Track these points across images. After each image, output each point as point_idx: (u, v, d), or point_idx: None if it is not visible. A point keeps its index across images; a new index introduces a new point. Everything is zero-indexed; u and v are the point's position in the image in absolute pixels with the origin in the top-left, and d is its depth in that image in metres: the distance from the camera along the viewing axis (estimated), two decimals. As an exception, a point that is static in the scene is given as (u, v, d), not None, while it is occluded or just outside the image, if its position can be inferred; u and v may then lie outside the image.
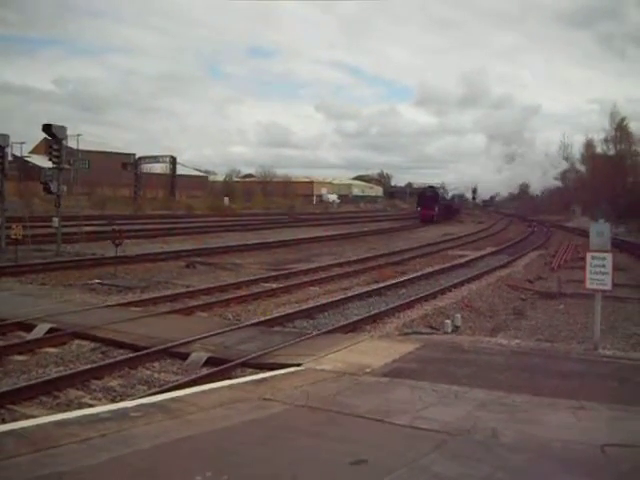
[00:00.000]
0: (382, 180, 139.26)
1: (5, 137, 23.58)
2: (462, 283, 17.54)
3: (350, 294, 15.12)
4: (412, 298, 14.57)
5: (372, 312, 12.80)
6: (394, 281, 17.48)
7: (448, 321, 12.01)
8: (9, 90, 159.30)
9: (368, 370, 7.77)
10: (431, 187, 66.30)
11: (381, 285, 16.66)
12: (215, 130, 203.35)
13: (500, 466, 4.78)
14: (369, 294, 15.22)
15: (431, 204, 58.92)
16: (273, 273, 18.75)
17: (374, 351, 8.89)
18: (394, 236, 37.07)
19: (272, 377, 7.50)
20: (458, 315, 12.76)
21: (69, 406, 7.13)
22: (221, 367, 8.37)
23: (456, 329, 12.01)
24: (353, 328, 11.24)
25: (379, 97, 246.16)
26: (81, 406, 7.08)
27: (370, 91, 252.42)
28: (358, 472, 4.61)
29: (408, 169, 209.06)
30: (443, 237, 37.49)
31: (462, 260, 24.05)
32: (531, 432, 5.59)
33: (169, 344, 9.35)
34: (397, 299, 14.72)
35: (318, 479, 4.52)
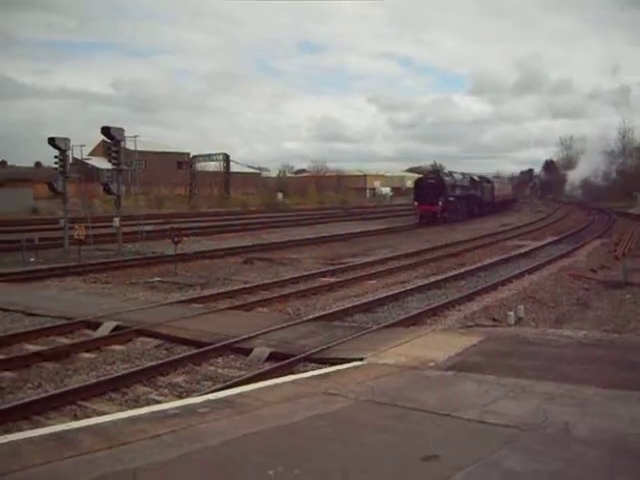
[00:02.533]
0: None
1: (66, 140, 24.23)
2: (523, 274, 17.19)
3: (409, 287, 15.00)
4: (472, 290, 14.36)
5: (432, 305, 12.66)
6: (453, 273, 17.27)
7: (511, 313, 11.78)
8: (69, 94, 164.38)
9: (432, 364, 7.68)
10: (434, 172, 48.29)
11: (440, 277, 16.48)
12: (267, 126, 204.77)
13: (575, 461, 4.65)
14: (428, 287, 15.07)
15: (432, 197, 40.16)
16: (330, 267, 18.76)
17: (436, 345, 8.79)
18: (449, 228, 36.63)
19: (335, 372, 7.49)
20: (521, 306, 12.51)
21: (137, 402, 7.28)
22: (284, 362, 8.40)
23: (519, 321, 11.77)
24: (414, 322, 11.14)
25: (431, 87, 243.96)
26: (149, 402, 7.21)
27: (422, 81, 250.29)
28: (430, 467, 4.55)
29: (462, 159, 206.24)
30: (501, 228, 36.86)
31: (522, 250, 23.59)
32: (605, 426, 5.42)
33: (231, 340, 9.44)
34: (457, 291, 14.53)
35: (389, 474, 4.47)
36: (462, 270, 17.90)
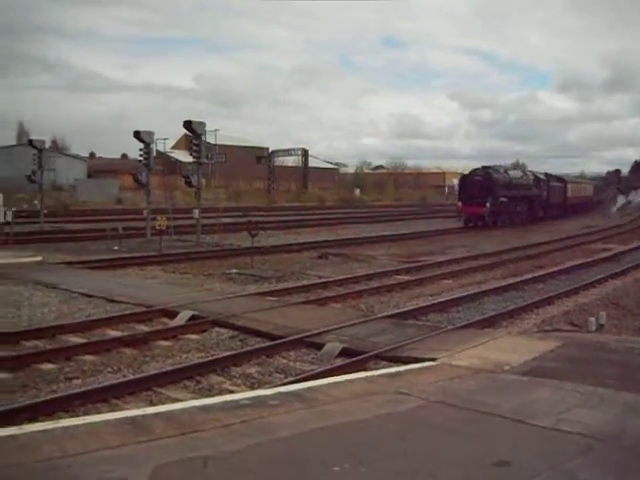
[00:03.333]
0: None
1: (150, 134, 24.98)
2: (606, 278, 16.55)
3: (485, 288, 14.71)
4: (552, 293, 13.93)
5: (509, 307, 12.37)
6: (531, 275, 16.82)
7: (592, 319, 11.36)
8: (153, 89, 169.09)
9: (506, 368, 7.50)
10: (484, 168, 37.72)
11: (518, 279, 16.08)
12: (347, 122, 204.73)
13: (655, 477, 4.46)
14: (505, 288, 14.73)
15: (479, 197, 34.78)
16: (405, 265, 18.62)
17: (512, 348, 8.58)
18: (529, 229, 35.70)
19: (407, 371, 7.42)
20: (603, 313, 12.04)
21: (210, 391, 7.42)
22: (355, 358, 8.39)
23: (600, 328, 11.33)
24: (489, 323, 10.92)
25: (515, 84, 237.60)
26: (222, 392, 7.35)
27: (506, 78, 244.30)
28: (501, 473, 4.44)
29: (545, 158, 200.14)
30: (583, 230, 35.64)
31: (606, 254, 22.74)
32: (689, 441, 5.16)
33: (304, 334, 9.50)
34: (535, 294, 14.14)
35: (458, 478, 4.40)
36: (541, 272, 17.41)
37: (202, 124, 23.93)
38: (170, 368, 8.10)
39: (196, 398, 6.94)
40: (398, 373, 7.34)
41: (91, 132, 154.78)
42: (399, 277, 16.36)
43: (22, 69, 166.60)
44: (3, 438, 4.62)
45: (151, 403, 6.90)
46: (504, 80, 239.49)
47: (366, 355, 8.51)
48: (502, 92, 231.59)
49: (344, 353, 8.78)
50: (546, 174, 46.74)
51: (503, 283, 15.48)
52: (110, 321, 10.57)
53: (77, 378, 7.78)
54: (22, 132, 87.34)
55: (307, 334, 9.49)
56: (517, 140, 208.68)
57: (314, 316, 11.00)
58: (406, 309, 11.95)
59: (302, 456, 4.66)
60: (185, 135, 22.61)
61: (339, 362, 8.43)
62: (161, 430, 4.98)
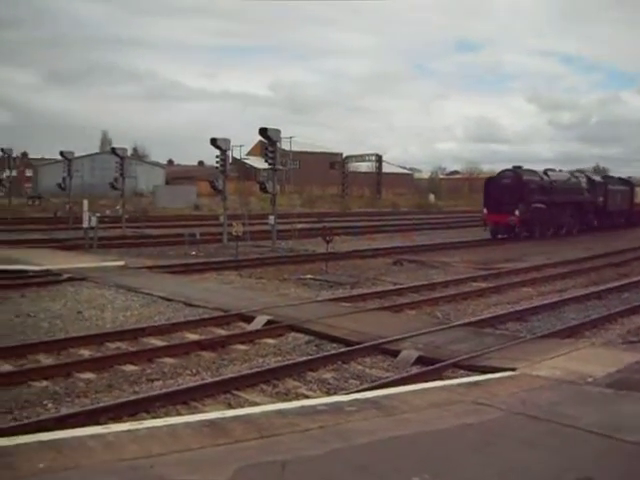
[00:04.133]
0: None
1: (226, 141, 25.47)
2: (696, 288, 15.77)
3: (566, 296, 14.26)
4: (637, 303, 13.39)
5: (591, 317, 11.95)
6: (615, 284, 16.21)
7: (681, 330, 10.86)
8: (230, 97, 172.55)
9: (590, 379, 7.25)
10: (514, 169, 31.53)
11: (600, 288, 15.53)
12: (421, 127, 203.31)
13: None
14: (587, 297, 14.25)
15: (507, 203, 28.98)
16: (482, 272, 18.27)
17: (595, 359, 8.28)
18: (612, 234, 34.39)
19: (485, 381, 7.28)
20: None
21: (287, 395, 7.48)
22: (432, 367, 8.28)
23: (691, 339, 10.81)
24: (570, 333, 10.57)
25: (596, 85, 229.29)
26: (298, 396, 7.40)
27: (586, 79, 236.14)
28: (586, 490, 4.30)
29: (629, 162, 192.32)
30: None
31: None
32: None
33: (379, 340, 9.46)
34: (620, 303, 13.61)
35: (541, 493, 4.28)
36: (626, 281, 16.76)
37: (277, 131, 24.22)
38: (247, 372, 8.21)
39: (273, 402, 7.02)
40: (476, 383, 7.20)
41: (170, 140, 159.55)
42: (476, 284, 16.07)
43: (108, 80, 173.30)
44: (91, 437, 4.78)
45: (229, 406, 7.01)
46: (584, 81, 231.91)
47: (443, 363, 8.39)
48: (582, 94, 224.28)
49: (420, 361, 8.68)
50: (605, 176, 41.55)
51: (585, 291, 14.99)
52: (189, 325, 10.81)
53: (158, 380, 7.99)
54: (105, 140, 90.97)
55: (383, 341, 9.44)
56: (599, 142, 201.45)
57: (389, 323, 10.94)
58: (483, 317, 11.73)
59: (380, 464, 4.63)
60: (260, 142, 22.91)
61: (415, 370, 8.35)
62: (240, 433, 5.05)
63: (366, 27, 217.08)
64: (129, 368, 8.40)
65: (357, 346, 9.31)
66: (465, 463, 4.72)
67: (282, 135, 25.64)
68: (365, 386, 7.62)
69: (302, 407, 5.92)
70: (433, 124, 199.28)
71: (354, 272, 17.83)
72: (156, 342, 9.79)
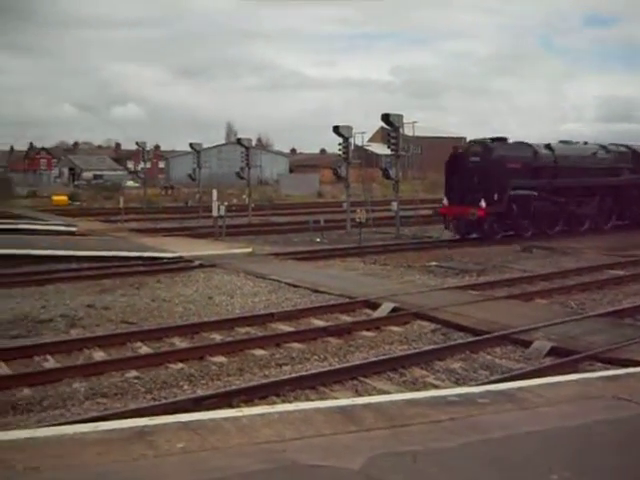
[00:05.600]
0: None
1: (349, 128, 25.51)
2: None
3: None
4: None
5: None
6: None
7: None
8: (350, 84, 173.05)
9: None
10: (494, 140, 22.62)
11: None
12: (548, 107, 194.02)
13: None
14: None
15: (476, 190, 21.05)
16: (619, 259, 17.24)
17: None
18: None
19: (627, 375, 6.84)
20: None
21: (414, 384, 7.39)
22: (567, 358, 7.91)
23: None
24: None
25: None
26: (425, 386, 7.30)
27: None
28: None
29: None
30: None
31: None
32: None
33: (509, 330, 9.15)
34: None
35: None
36: None
37: (399, 117, 23.96)
38: (374, 359, 8.20)
39: (401, 390, 6.97)
40: (616, 376, 6.78)
41: (292, 129, 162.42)
42: (612, 272, 15.20)
43: (232, 73, 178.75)
44: (225, 419, 4.92)
45: (357, 393, 7.03)
46: None
47: (579, 356, 7.99)
48: None
49: (553, 352, 8.32)
50: None
51: None
52: (315, 311, 10.94)
53: (287, 364, 8.14)
54: (230, 131, 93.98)
55: (513, 330, 9.13)
56: None
57: (519, 312, 10.56)
58: (622, 307, 11.06)
59: (516, 460, 4.45)
60: (382, 128, 22.75)
61: (549, 362, 8.01)
62: (371, 421, 5.02)
63: (486, 6, 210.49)
64: (259, 352, 8.61)
65: (486, 335, 9.06)
66: (609, 463, 4.44)
67: (404, 120, 25.35)
68: (496, 377, 7.40)
69: (432, 397, 5.80)
70: (560, 104, 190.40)
71: (480, 259, 17.36)
72: (284, 327, 9.99)
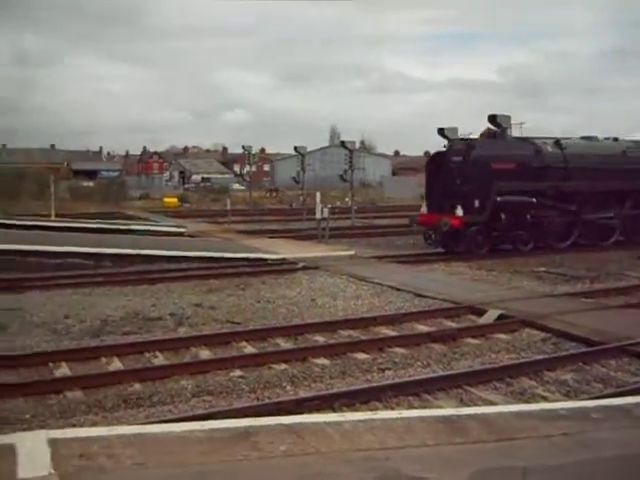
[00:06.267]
0: None
1: (454, 130, 24.92)
2: None
3: None
4: None
5: None
6: None
7: None
8: (455, 85, 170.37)
9: None
10: (464, 140, 19.80)
11: None
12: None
13: None
14: None
15: (455, 197, 18.43)
16: None
17: None
18: None
19: None
20: None
21: (522, 395, 7.11)
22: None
23: None
24: None
25: None
26: (534, 397, 7.01)
27: None
28: None
29: None
30: None
31: None
32: None
33: (626, 342, 8.63)
34: None
35: None
36: None
37: (507, 117, 23.16)
38: (480, 367, 7.96)
39: (508, 401, 6.72)
40: None
41: (396, 131, 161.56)
42: None
43: (336, 76, 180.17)
44: (328, 424, 4.88)
45: (461, 402, 6.84)
46: None
47: None
48: None
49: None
50: None
51: None
52: (419, 315, 10.77)
53: (389, 369, 8.03)
54: (334, 134, 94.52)
55: (630, 342, 8.61)
56: None
57: (637, 322, 9.96)
58: None
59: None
60: (488, 129, 22.17)
61: (670, 376, 7.49)
62: (476, 433, 4.84)
63: (592, 3, 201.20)
64: (361, 356, 8.55)
65: (600, 346, 8.60)
66: None
67: (512, 121, 24.59)
68: (611, 391, 7.00)
69: (542, 410, 5.54)
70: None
71: (593, 265, 16.56)
72: (387, 332, 9.89)
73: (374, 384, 7.35)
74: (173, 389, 7.29)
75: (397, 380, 7.46)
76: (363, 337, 9.60)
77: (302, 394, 7.08)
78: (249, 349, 9.02)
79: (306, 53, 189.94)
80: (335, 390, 7.14)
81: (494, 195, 18.07)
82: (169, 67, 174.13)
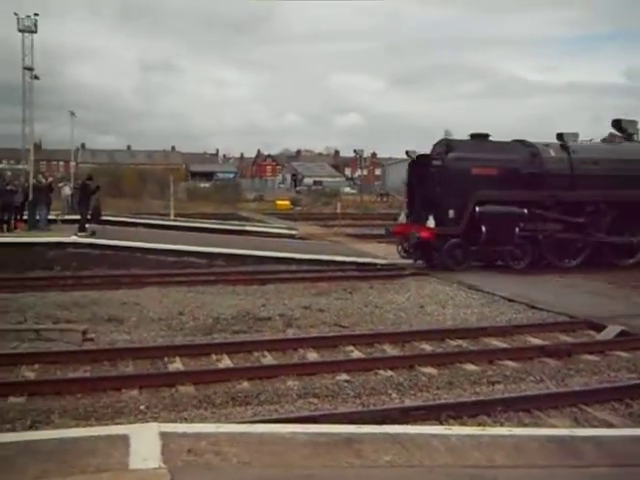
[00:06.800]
0: None
1: (574, 135, 23.90)
2: None
3: None
4: None
5: None
6: None
7: None
8: (577, 88, 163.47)
9: None
10: (475, 137, 17.68)
11: None
12: None
13: None
14: None
15: (424, 205, 16.91)
16: None
17: None
18: None
19: None
20: None
21: (641, 417, 6.68)
22: None
23: None
24: None
25: None
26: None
27: None
28: None
29: None
30: None
31: None
32: None
33: None
34: None
35: None
36: None
37: (633, 122, 21.92)
38: (597, 386, 7.56)
39: (627, 424, 6.34)
40: None
41: (511, 135, 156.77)
42: None
43: (449, 79, 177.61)
44: (434, 436, 4.77)
45: (576, 421, 6.51)
46: None
47: None
48: None
49: None
50: None
51: None
52: (532, 328, 10.39)
53: (499, 383, 7.76)
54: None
55: None
56: None
57: None
58: None
59: None
60: (610, 134, 21.05)
61: None
62: (592, 457, 4.57)
63: None
64: (469, 367, 8.34)
65: None
66: None
67: (639, 126, 23.29)
68: None
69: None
70: None
71: None
72: (497, 343, 9.60)
73: (483, 397, 7.13)
74: (280, 389, 7.38)
75: (507, 395, 7.20)
76: (472, 347, 9.37)
77: (408, 403, 6.98)
78: (356, 353, 9.01)
79: (418, 56, 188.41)
80: (442, 401, 6.99)
81: (472, 204, 16.09)
82: (286, 72, 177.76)
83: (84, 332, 9.60)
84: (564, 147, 17.66)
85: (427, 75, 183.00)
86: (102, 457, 4.05)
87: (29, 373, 7.93)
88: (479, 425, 6.02)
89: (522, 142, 17.88)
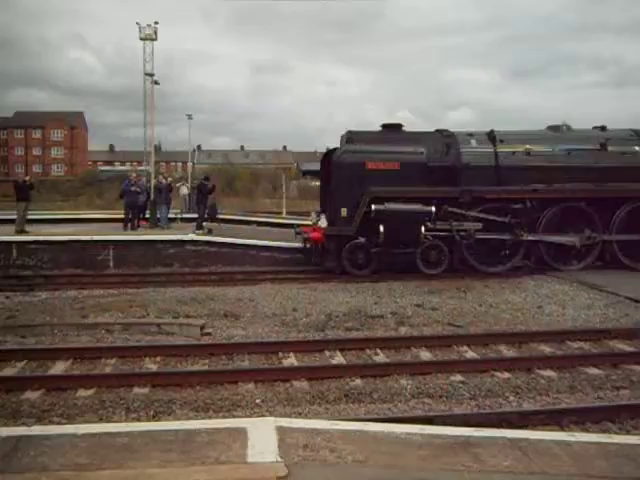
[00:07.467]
0: None
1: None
2: None
3: None
4: None
5: None
6: None
7: None
8: None
9: None
10: (386, 126, 16.18)
11: None
12: None
13: None
14: None
15: (326, 202, 16.19)
16: None
17: None
18: None
19: None
20: None
21: None
22: None
23: None
24: None
25: None
26: None
27: None
28: None
29: None
30: None
31: None
32: None
33: None
34: None
35: None
36: None
37: None
38: None
39: None
40: None
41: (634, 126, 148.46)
42: None
43: (568, 70, 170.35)
44: (556, 443, 4.56)
45: None
46: None
47: None
48: None
49: None
50: None
51: None
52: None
53: (625, 388, 7.35)
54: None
55: None
56: None
57: None
58: None
59: None
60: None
61: None
62: None
63: None
64: (592, 371, 7.95)
65: None
66: None
67: None
68: None
69: None
70: None
71: None
72: (623, 347, 9.10)
73: (607, 403, 6.77)
74: (393, 388, 7.33)
75: (635, 401, 6.80)
76: (595, 350, 8.92)
77: (526, 407, 6.74)
78: (470, 354, 8.80)
79: (535, 48, 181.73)
80: (563, 406, 6.71)
81: (366, 202, 14.68)
82: (397, 68, 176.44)
83: (202, 327, 9.95)
84: (491, 137, 15.86)
85: (544, 66, 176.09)
86: (221, 449, 4.16)
87: (152, 365, 8.29)
88: (603, 432, 5.71)
89: (441, 132, 16.28)
